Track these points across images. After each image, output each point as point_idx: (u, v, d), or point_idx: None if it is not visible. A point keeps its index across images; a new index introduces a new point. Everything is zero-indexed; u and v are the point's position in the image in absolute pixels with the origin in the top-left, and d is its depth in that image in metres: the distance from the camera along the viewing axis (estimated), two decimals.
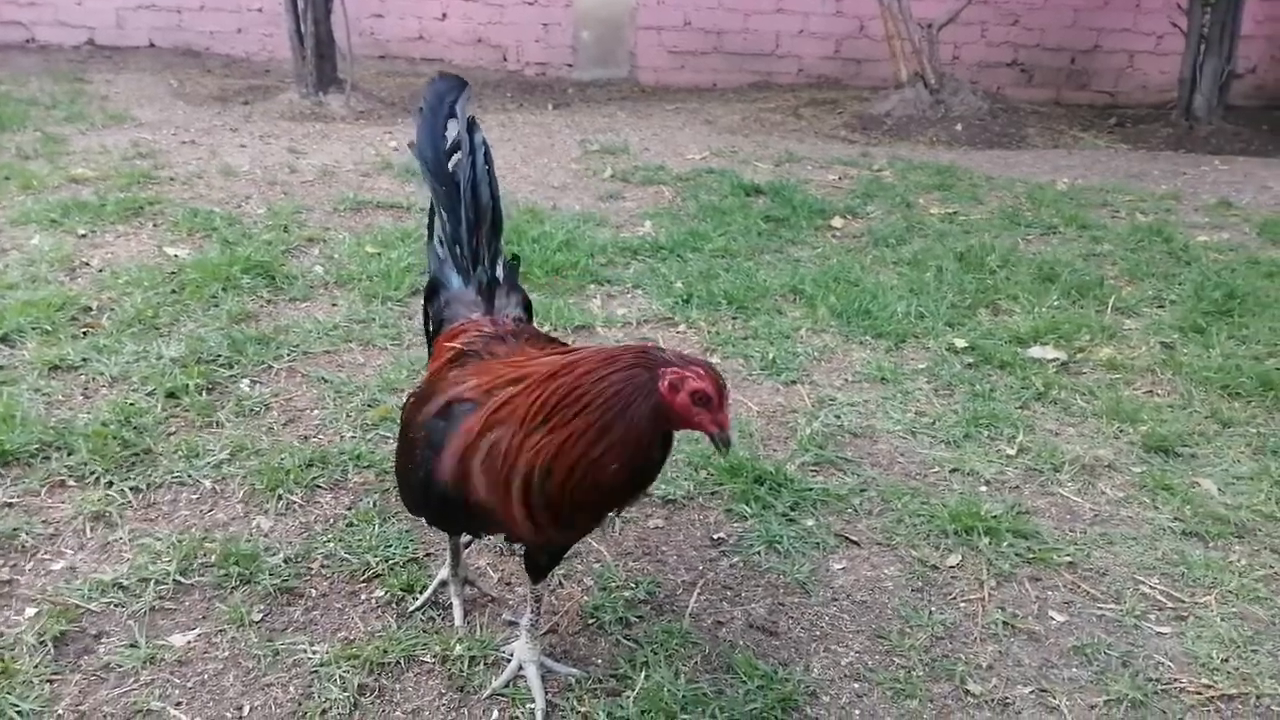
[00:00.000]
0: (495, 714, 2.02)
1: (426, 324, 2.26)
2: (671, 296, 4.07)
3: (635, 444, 1.61)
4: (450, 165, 2.13)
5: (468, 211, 2.10)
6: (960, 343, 3.75)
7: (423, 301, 2.24)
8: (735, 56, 9.34)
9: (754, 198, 5.46)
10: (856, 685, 2.13)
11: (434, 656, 2.14)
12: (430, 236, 2.25)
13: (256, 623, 2.22)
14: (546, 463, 1.63)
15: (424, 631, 2.21)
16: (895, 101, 8.52)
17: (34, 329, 3.43)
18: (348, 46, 7.48)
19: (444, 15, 9.06)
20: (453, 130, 2.13)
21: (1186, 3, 8.31)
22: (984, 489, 2.87)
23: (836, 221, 5.22)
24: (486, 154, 2.15)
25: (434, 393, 1.86)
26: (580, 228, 4.78)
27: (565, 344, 2.04)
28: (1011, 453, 3.06)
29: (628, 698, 2.04)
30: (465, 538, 2.35)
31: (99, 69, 8.03)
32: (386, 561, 2.41)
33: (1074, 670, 2.19)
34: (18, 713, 1.95)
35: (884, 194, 5.73)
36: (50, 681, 2.04)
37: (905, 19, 8.39)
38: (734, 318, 3.92)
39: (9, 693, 1.99)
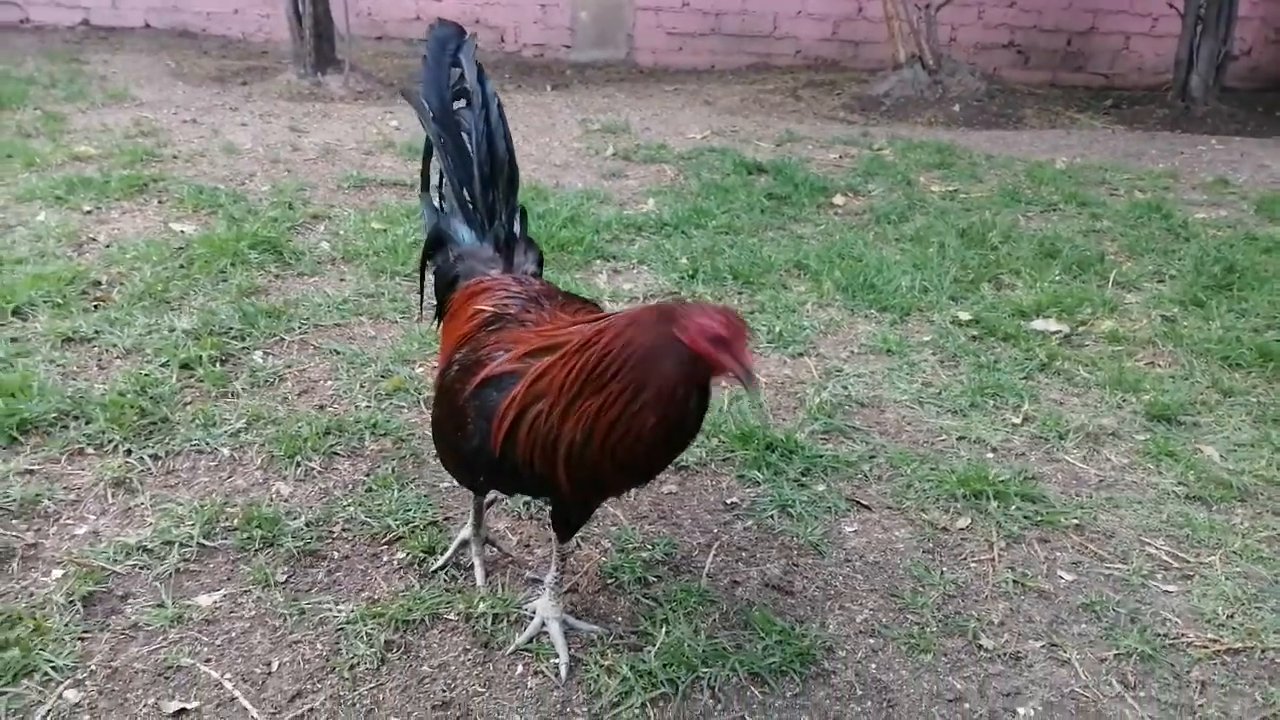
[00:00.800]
0: (519, 669, 2.06)
1: (424, 275, 2.27)
2: (677, 271, 4.10)
3: (669, 397, 1.65)
4: (456, 114, 2.13)
5: (482, 164, 2.11)
6: (964, 316, 3.79)
7: (421, 254, 2.25)
8: (733, 38, 9.34)
9: (756, 176, 5.49)
10: (872, 641, 2.18)
11: (458, 614, 2.18)
12: (425, 186, 2.26)
13: (281, 583, 2.25)
14: (588, 427, 1.66)
15: (447, 590, 2.25)
16: (894, 82, 8.55)
17: (45, 302, 3.44)
18: (345, 27, 7.47)
19: None
20: (455, 78, 2.14)
21: None
22: (991, 455, 2.91)
23: (838, 199, 5.26)
24: (499, 106, 2.16)
25: (478, 361, 1.88)
26: (584, 205, 4.80)
27: (593, 304, 2.07)
28: (1017, 421, 3.10)
29: (649, 652, 2.09)
30: (489, 497, 2.39)
31: (95, 49, 8.00)
32: (407, 524, 2.45)
33: (1083, 626, 2.24)
34: (53, 668, 1.98)
35: (885, 172, 5.76)
36: (81, 639, 2.07)
37: (904, 0, 8.40)
38: (739, 292, 3.96)
39: (43, 649, 2.02)
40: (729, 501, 2.64)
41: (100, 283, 3.66)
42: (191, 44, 8.53)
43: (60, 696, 1.93)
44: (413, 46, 8.82)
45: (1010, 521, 2.59)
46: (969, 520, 2.60)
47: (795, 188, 5.30)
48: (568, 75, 8.57)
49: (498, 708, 1.97)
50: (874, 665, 2.11)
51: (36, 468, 2.62)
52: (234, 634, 2.12)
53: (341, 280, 3.83)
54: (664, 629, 2.14)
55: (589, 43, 9.22)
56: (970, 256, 4.41)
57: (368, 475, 2.64)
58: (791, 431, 2.91)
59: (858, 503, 2.66)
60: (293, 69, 7.43)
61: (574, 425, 1.68)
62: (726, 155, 5.81)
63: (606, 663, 2.06)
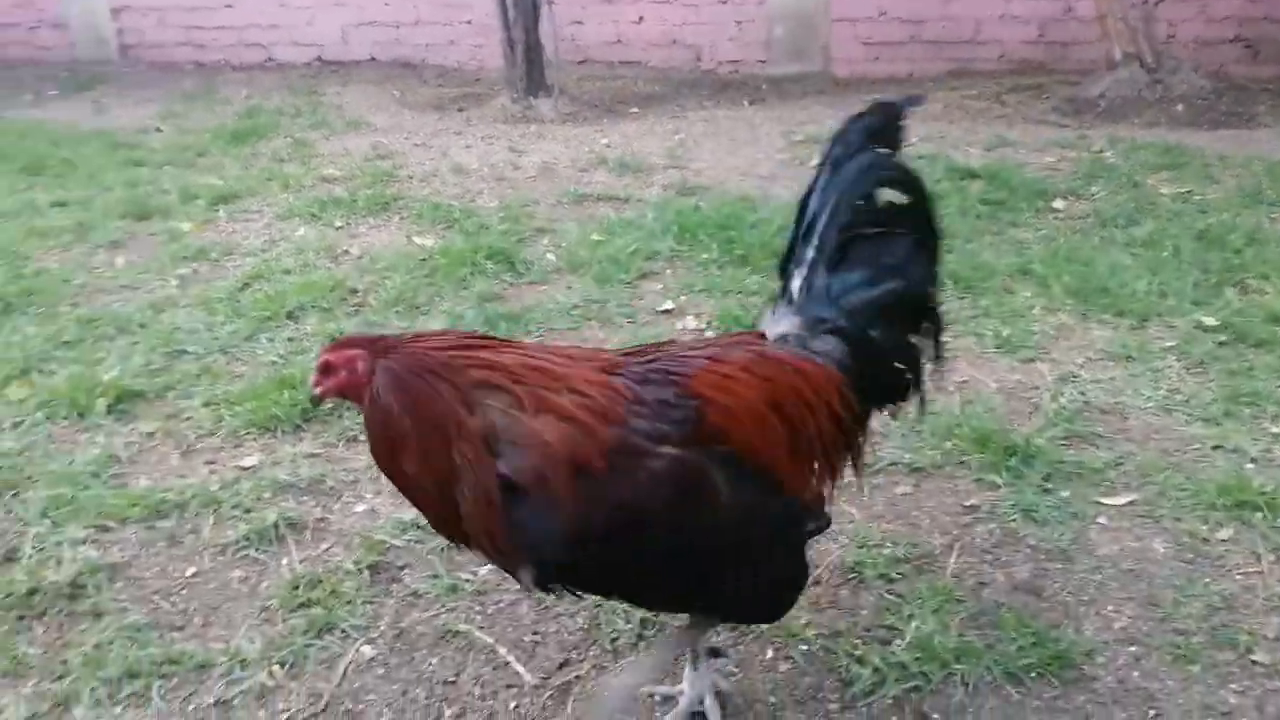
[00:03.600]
0: (770, 653, 2.12)
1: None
2: None
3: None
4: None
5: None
6: (1210, 320, 3.58)
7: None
8: (933, 45, 9.14)
9: (968, 181, 5.37)
10: (1133, 649, 2.11)
11: None
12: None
13: None
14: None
15: None
16: (1108, 83, 8.12)
17: (312, 307, 3.81)
18: (554, 53, 7.79)
19: (640, 19, 9.31)
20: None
21: None
22: (1251, 466, 2.74)
23: (1058, 203, 5.06)
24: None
25: None
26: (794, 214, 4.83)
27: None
28: (1278, 431, 2.91)
29: (898, 646, 2.11)
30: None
31: (329, 82, 8.73)
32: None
33: None
34: (351, 626, 2.21)
35: (1107, 175, 5.50)
36: (370, 603, 2.30)
37: None
38: (960, 297, 3.89)
39: (339, 609, 2.26)
40: (967, 504, 2.62)
41: (357, 290, 4.02)
42: (412, 74, 9.16)
43: (358, 651, 2.15)
44: (614, 70, 9.14)
45: (1279, 534, 2.44)
46: (1231, 531, 2.47)
47: (1011, 192, 5.14)
48: (763, 90, 8.63)
49: (751, 688, 2.04)
50: (1136, 673, 2.05)
51: (319, 452, 2.91)
52: (503, 604, 2.29)
53: (569, 288, 4.04)
54: (913, 624, 2.15)
55: (784, 57, 9.26)
56: (1210, 260, 4.15)
57: None
58: (1030, 436, 2.84)
59: (1108, 509, 2.57)
60: (506, 94, 7.86)
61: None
62: (936, 161, 5.71)
63: (857, 653, 2.09)
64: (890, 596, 2.27)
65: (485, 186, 5.48)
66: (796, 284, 1.88)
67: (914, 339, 1.93)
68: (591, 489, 1.51)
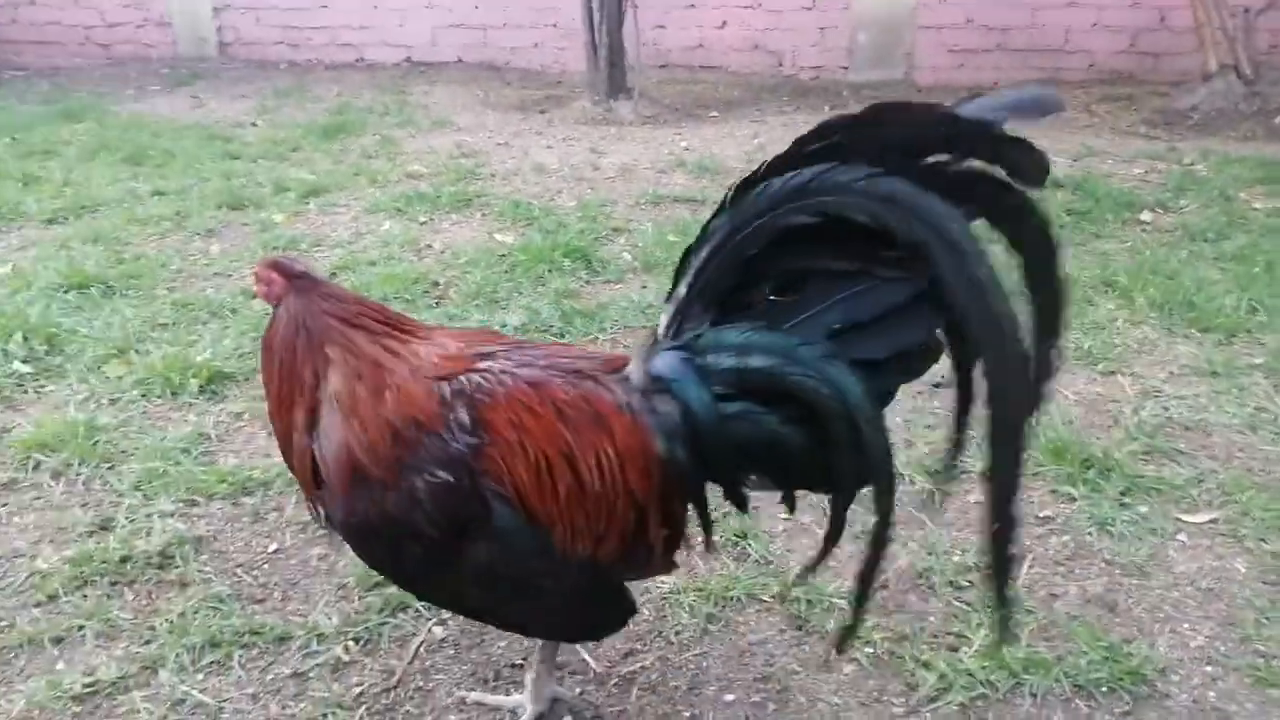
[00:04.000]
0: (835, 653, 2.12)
1: None
2: None
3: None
4: None
5: None
6: None
7: None
8: (1019, 53, 8.97)
9: (1053, 190, 5.26)
10: (1209, 669, 2.06)
11: (772, 596, 2.28)
12: None
13: None
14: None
15: (760, 573, 2.36)
16: (1202, 95, 7.87)
17: (396, 298, 3.92)
18: (636, 57, 7.83)
19: (723, 24, 9.33)
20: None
21: None
22: None
23: (1145, 215, 4.94)
24: None
25: None
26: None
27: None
28: None
29: (965, 653, 2.09)
30: None
31: (416, 82, 8.93)
32: (720, 510, 2.58)
33: None
34: (423, 607, 2.27)
35: (1198, 188, 5.34)
36: None
37: (1218, 5, 7.74)
38: None
39: None
40: (1041, 515, 2.58)
41: (438, 283, 4.11)
42: (496, 76, 9.32)
43: (430, 631, 2.21)
44: (695, 74, 9.18)
45: None
46: None
47: (1096, 202, 5.03)
48: (844, 96, 8.58)
49: (815, 688, 2.05)
50: (1213, 693, 2.00)
51: None
52: None
53: (644, 287, 4.07)
54: (981, 632, 2.13)
55: (867, 63, 9.19)
56: None
57: None
58: (1108, 450, 2.79)
59: (1187, 526, 2.51)
60: (587, 96, 7.95)
61: None
62: None
63: (924, 658, 2.08)
64: (958, 604, 2.25)
65: (565, 186, 5.56)
66: (664, 320, 1.60)
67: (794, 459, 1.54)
68: (367, 493, 1.55)
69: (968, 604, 2.24)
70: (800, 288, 1.52)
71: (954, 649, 2.11)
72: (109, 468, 2.82)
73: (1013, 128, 1.36)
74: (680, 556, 1.75)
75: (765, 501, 2.58)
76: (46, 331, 3.59)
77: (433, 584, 1.67)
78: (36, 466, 2.82)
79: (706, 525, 1.70)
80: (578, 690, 2.05)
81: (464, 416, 1.56)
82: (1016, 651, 2.07)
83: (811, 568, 1.68)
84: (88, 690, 2.01)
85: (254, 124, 7.31)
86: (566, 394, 1.59)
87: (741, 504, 1.67)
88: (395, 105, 7.82)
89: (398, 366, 1.59)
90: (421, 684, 2.06)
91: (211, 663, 2.10)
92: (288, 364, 1.61)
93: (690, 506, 1.67)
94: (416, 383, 1.58)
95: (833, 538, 1.61)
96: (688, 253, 1.56)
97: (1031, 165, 1.37)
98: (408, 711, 1.99)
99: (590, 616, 1.75)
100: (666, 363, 1.57)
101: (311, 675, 2.07)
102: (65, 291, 4.04)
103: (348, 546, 1.68)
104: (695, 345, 1.55)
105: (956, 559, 2.39)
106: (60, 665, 2.10)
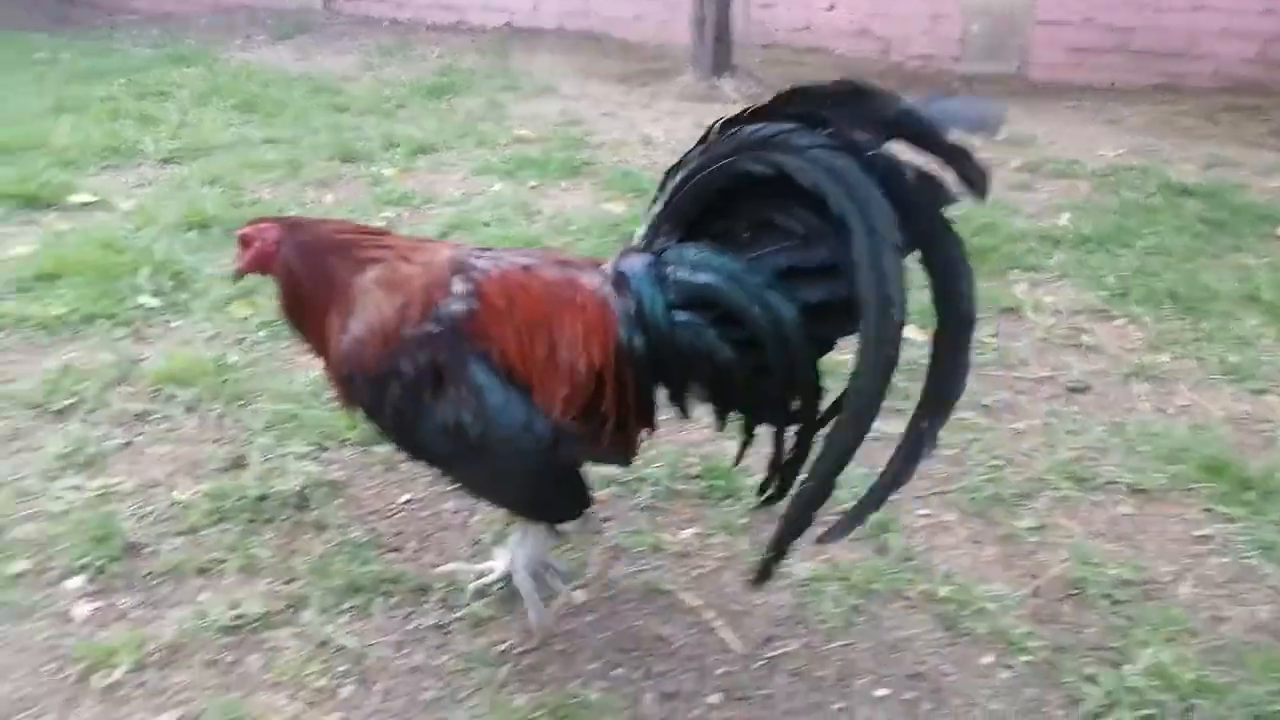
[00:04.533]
0: (990, 658, 2.04)
1: None
2: (1104, 289, 3.86)
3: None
4: None
5: None
6: None
7: None
8: (1140, 56, 8.64)
9: (1183, 199, 5.04)
10: None
11: (919, 594, 2.20)
12: None
13: (743, 530, 2.38)
14: None
15: (904, 568, 2.27)
16: None
17: None
18: (741, 34, 7.69)
19: (832, 7, 9.14)
20: None
21: None
22: None
23: None
24: None
25: None
26: (994, 213, 4.65)
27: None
28: None
29: (1129, 670, 1.99)
30: None
31: (516, 48, 8.90)
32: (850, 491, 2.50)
33: None
34: (558, 570, 2.23)
35: None
36: (576, 551, 2.32)
37: None
38: (1180, 318, 3.65)
39: (562, 555, 2.28)
40: (1197, 534, 2.45)
41: (552, 248, 4.06)
42: (595, 46, 9.25)
43: (570, 594, 2.17)
44: (799, 56, 9.01)
45: None
46: None
47: (1233, 214, 4.80)
48: (954, 87, 8.34)
49: (970, 691, 1.97)
50: None
51: None
52: (705, 570, 2.28)
53: None
54: (1147, 650, 2.03)
55: (979, 55, 8.92)
56: None
57: None
58: (1270, 470, 2.64)
59: None
60: (690, 72, 7.83)
61: None
62: (1148, 174, 5.39)
63: (1087, 671, 1.98)
64: (1116, 618, 2.15)
65: (671, 160, 5.44)
66: (640, 231, 1.87)
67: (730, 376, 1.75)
68: (369, 348, 1.79)
69: (1129, 618, 2.13)
70: (762, 228, 1.72)
71: (1116, 665, 2.01)
72: (240, 405, 2.83)
73: (959, 137, 1.52)
74: (633, 455, 1.94)
75: (903, 494, 2.50)
76: (172, 268, 3.63)
77: (404, 425, 1.84)
78: (170, 399, 2.84)
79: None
80: (720, 670, 1.99)
81: (462, 287, 1.81)
82: (1186, 673, 1.96)
83: (761, 493, 1.86)
84: (235, 623, 2.01)
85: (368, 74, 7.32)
86: (553, 276, 1.85)
87: (684, 411, 1.86)
88: (498, 69, 7.80)
89: (417, 256, 1.86)
90: (564, 647, 2.02)
91: (353, 607, 2.09)
92: (320, 276, 1.84)
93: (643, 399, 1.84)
94: (434, 265, 1.84)
95: (775, 467, 1.81)
96: (667, 175, 1.81)
97: (976, 176, 1.56)
98: (551, 673, 1.95)
99: (545, 494, 1.92)
100: (631, 264, 1.81)
101: (453, 629, 2.05)
102: (187, 230, 4.08)
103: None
104: (661, 256, 1.79)
105: (1111, 572, 2.28)
106: (204, 596, 2.10)
